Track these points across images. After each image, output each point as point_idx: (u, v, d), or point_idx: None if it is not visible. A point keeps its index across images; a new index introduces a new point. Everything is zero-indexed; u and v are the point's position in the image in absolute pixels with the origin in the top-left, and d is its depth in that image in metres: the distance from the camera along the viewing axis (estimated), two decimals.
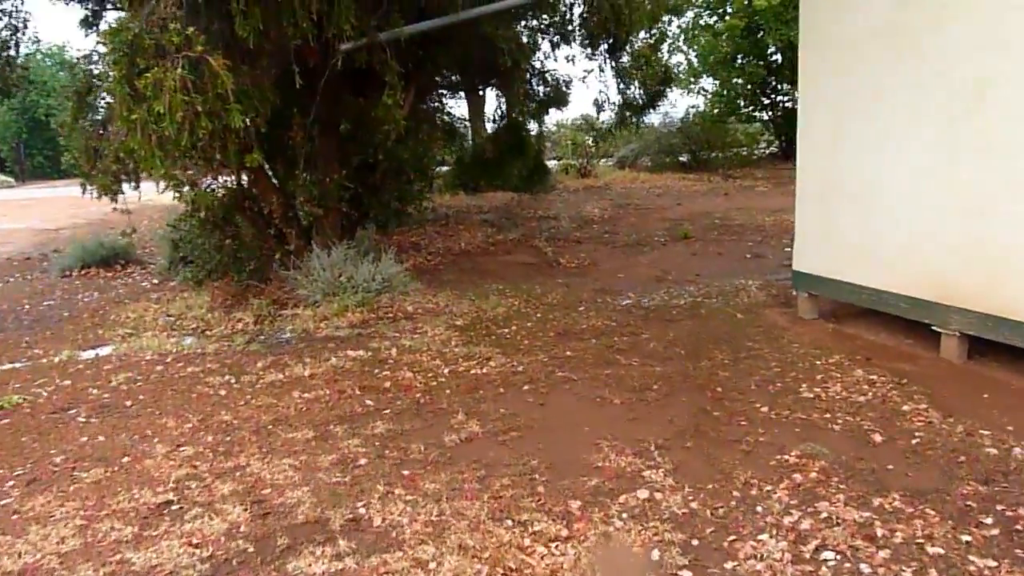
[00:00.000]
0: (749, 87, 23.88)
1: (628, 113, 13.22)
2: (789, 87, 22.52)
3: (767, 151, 26.57)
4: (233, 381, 5.96)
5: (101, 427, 5.19)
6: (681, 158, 24.39)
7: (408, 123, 8.18)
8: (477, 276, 10.02)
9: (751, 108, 25.22)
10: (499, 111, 13.50)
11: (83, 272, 11.20)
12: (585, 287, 9.04)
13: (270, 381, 5.91)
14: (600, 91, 19.56)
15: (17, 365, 6.79)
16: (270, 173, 8.57)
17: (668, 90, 13.50)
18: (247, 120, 5.81)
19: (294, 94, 7.59)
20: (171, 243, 8.68)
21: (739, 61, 23.49)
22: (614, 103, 13.62)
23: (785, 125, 24.54)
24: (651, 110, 14.47)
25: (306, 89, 7.38)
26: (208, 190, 8.14)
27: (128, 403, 5.63)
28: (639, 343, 6.56)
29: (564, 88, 14.72)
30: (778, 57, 22.25)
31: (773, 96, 24.33)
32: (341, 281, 7.79)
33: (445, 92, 16.44)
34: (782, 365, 5.80)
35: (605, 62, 12.21)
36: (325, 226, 8.00)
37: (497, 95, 13.42)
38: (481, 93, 17.02)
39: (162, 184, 7.92)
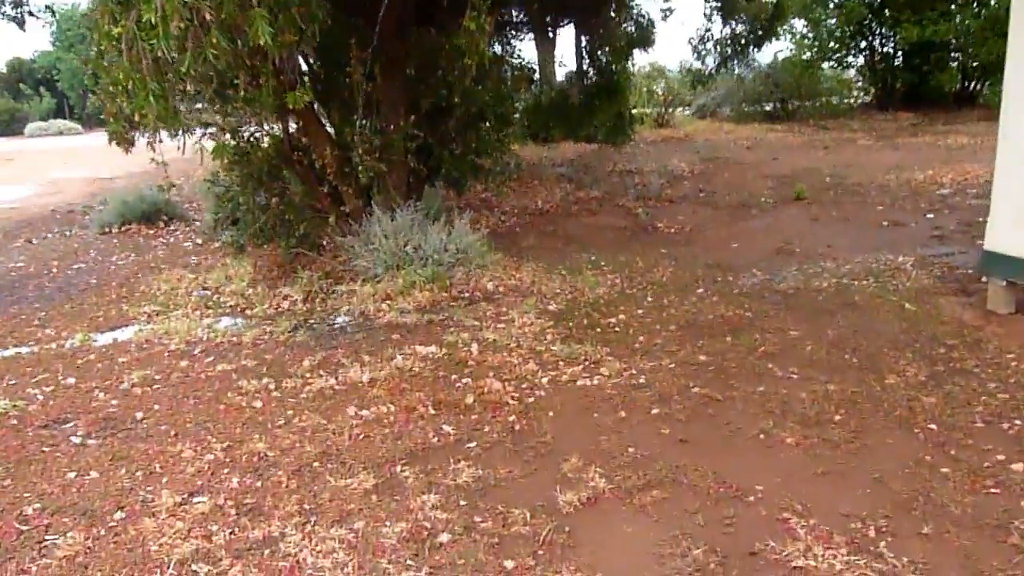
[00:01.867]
0: (844, 29, 21.44)
1: (733, 53, 11.38)
2: (891, 29, 20.06)
3: (858, 100, 24.12)
4: (272, 386, 4.59)
5: (98, 454, 3.87)
6: (766, 107, 22.26)
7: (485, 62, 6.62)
8: (562, 242, 8.48)
9: (844, 53, 22.79)
10: (580, 52, 11.76)
11: (123, 229, 10.01)
12: (695, 260, 7.43)
13: (318, 389, 4.52)
14: (698, 29, 17.32)
15: (22, 351, 5.54)
16: (323, 120, 7.11)
17: (779, 27, 11.56)
18: (281, 39, 4.25)
19: (350, 21, 6.10)
20: (215, 199, 7.34)
21: None
22: (713, 43, 11.77)
23: (885, 72, 22.17)
24: (758, 49, 12.50)
25: (365, 15, 5.87)
26: (251, 140, 6.74)
27: (139, 415, 4.30)
28: (790, 344, 4.98)
29: (649, 27, 12.84)
30: None
31: (870, 39, 21.86)
32: (407, 251, 6.35)
33: (512, 33, 14.74)
34: (1006, 387, 4.17)
35: None
36: (388, 184, 6.54)
37: (581, 33, 11.67)
38: (552, 34, 15.23)
39: (192, 134, 6.53)
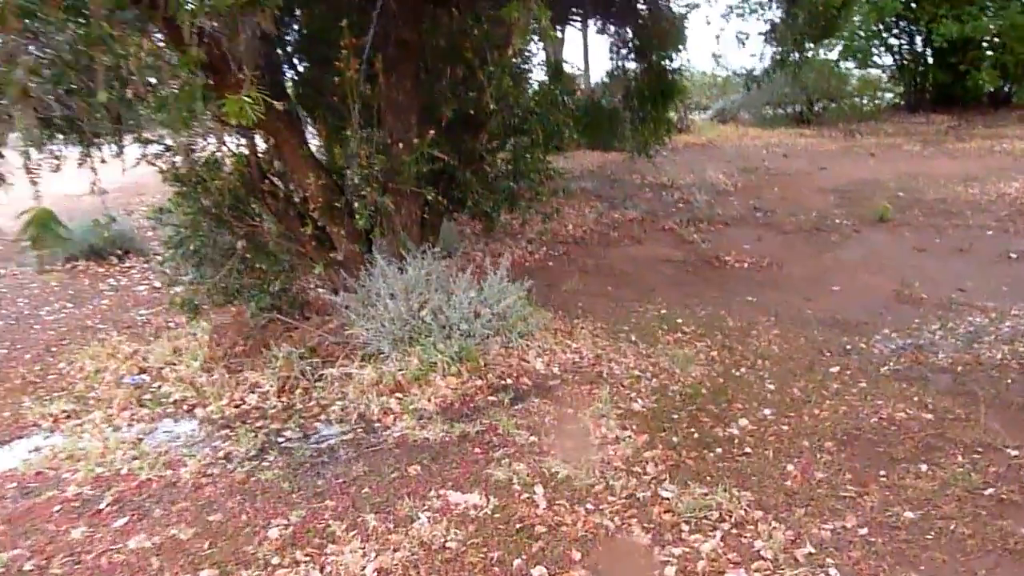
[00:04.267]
0: (874, 27, 19.58)
1: (791, 49, 9.55)
2: (926, 26, 18.21)
3: (882, 102, 22.28)
4: None
5: None
6: (786, 110, 20.42)
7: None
8: (613, 284, 6.60)
9: (871, 51, 20.94)
10: (615, 49, 9.86)
11: (69, 266, 8.08)
12: (799, 313, 5.57)
13: None
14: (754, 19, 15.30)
15: None
16: (308, 132, 5.23)
17: (842, 19, 9.74)
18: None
19: None
20: (170, 236, 5.45)
21: None
22: (768, 36, 9.91)
23: (916, 71, 20.37)
24: (819, 46, 10.61)
25: None
26: (210, 159, 4.85)
27: None
28: None
29: (680, 23, 10.87)
30: None
31: (900, 36, 20.02)
32: (423, 318, 4.46)
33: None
34: None
35: None
36: (396, 222, 4.66)
37: (613, 28, 9.80)
38: (582, 28, 13.29)
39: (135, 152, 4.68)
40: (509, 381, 4.31)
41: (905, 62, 20.36)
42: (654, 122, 8.78)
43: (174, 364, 4.73)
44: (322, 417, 4.05)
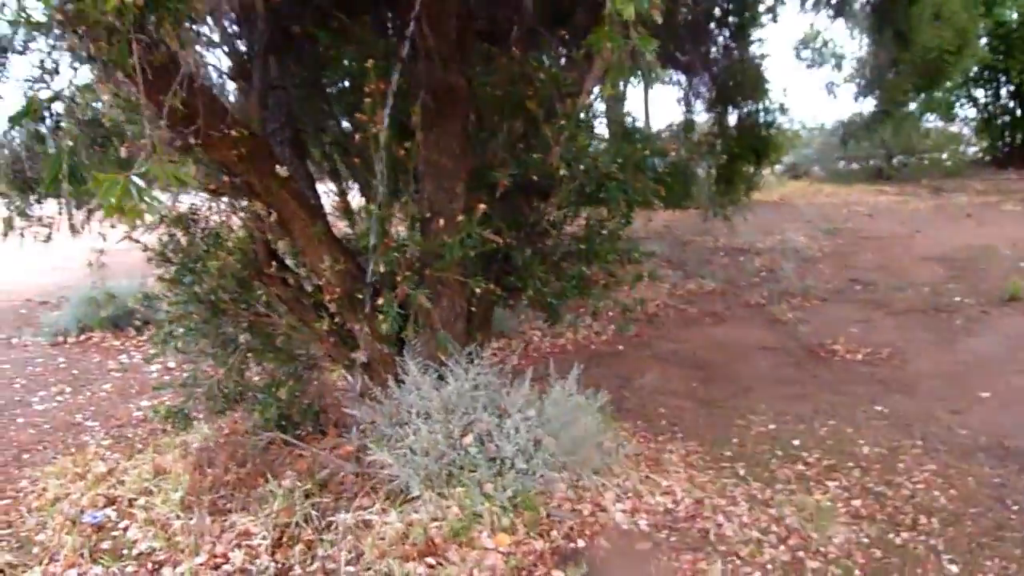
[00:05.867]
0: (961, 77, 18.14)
1: (898, 98, 8.32)
2: (1018, 75, 16.71)
3: (965, 157, 20.61)
4: None
5: None
6: (856, 165, 19.01)
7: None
8: (700, 380, 5.39)
9: (953, 104, 19.47)
10: (688, 100, 8.79)
11: (82, 338, 7.23)
12: (945, 433, 4.28)
13: None
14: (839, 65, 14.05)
15: None
16: (314, 195, 4.22)
17: (953, 67, 8.50)
18: None
19: (362, 25, 3.29)
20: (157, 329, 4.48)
21: None
22: (865, 83, 8.72)
23: (1004, 125, 18.79)
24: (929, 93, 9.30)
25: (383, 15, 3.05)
26: (209, 234, 3.87)
27: None
28: None
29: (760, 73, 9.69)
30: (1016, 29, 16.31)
31: (988, 86, 18.50)
32: (466, 448, 3.33)
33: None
34: None
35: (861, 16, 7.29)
36: (434, 316, 3.58)
37: (686, 77, 8.72)
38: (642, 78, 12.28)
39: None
40: (581, 543, 3.13)
41: (991, 115, 18.81)
42: (734, 179, 7.62)
43: (150, 494, 3.68)
44: None
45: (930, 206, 14.50)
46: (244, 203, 3.49)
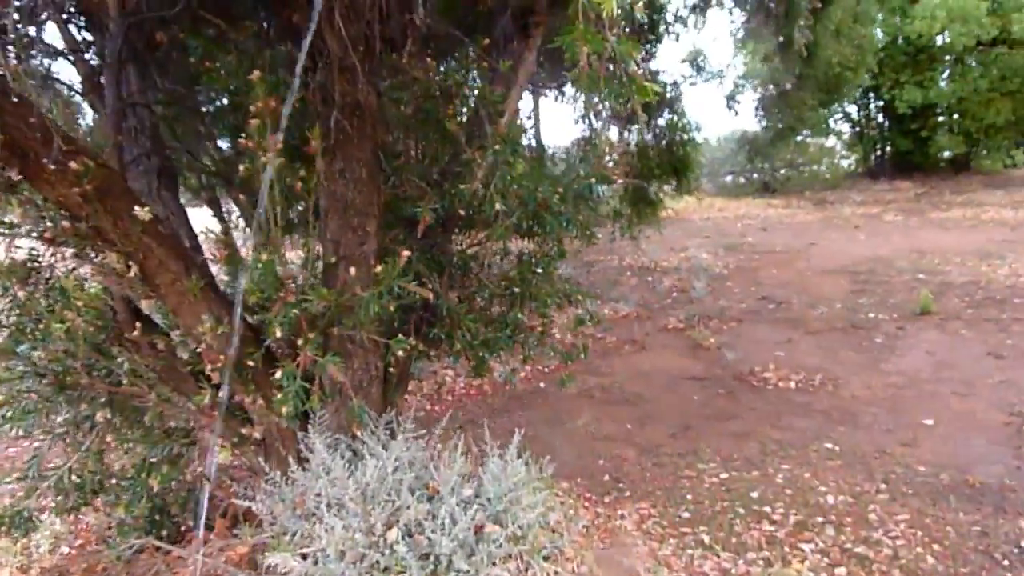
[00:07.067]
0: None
1: (799, 114, 8.21)
2: (888, 92, 17.43)
3: (840, 170, 21.45)
4: None
5: None
6: (738, 179, 19.43)
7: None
8: (634, 420, 4.93)
9: (826, 116, 20.18)
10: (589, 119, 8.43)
11: None
12: (906, 472, 3.97)
13: None
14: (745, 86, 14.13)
15: None
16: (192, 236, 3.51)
17: (850, 83, 8.54)
18: None
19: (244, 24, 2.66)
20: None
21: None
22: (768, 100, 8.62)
23: (874, 138, 19.69)
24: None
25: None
26: (52, 287, 3.08)
27: None
28: None
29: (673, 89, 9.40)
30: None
31: (860, 102, 19.29)
32: (393, 547, 2.70)
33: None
34: None
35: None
36: (345, 383, 2.93)
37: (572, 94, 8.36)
38: (532, 92, 11.86)
39: None
40: None
41: (863, 129, 19.68)
42: (649, 198, 7.29)
43: None
44: None
45: (818, 218, 14.86)
46: (94, 255, 2.72)
